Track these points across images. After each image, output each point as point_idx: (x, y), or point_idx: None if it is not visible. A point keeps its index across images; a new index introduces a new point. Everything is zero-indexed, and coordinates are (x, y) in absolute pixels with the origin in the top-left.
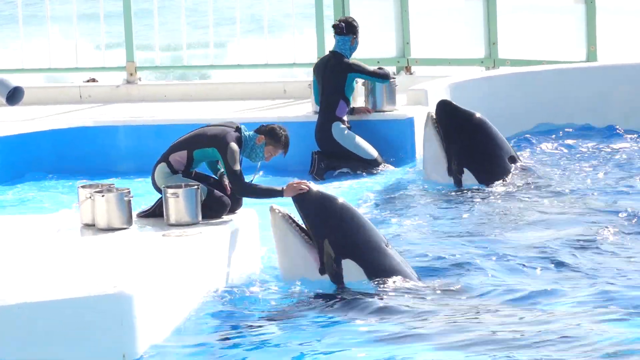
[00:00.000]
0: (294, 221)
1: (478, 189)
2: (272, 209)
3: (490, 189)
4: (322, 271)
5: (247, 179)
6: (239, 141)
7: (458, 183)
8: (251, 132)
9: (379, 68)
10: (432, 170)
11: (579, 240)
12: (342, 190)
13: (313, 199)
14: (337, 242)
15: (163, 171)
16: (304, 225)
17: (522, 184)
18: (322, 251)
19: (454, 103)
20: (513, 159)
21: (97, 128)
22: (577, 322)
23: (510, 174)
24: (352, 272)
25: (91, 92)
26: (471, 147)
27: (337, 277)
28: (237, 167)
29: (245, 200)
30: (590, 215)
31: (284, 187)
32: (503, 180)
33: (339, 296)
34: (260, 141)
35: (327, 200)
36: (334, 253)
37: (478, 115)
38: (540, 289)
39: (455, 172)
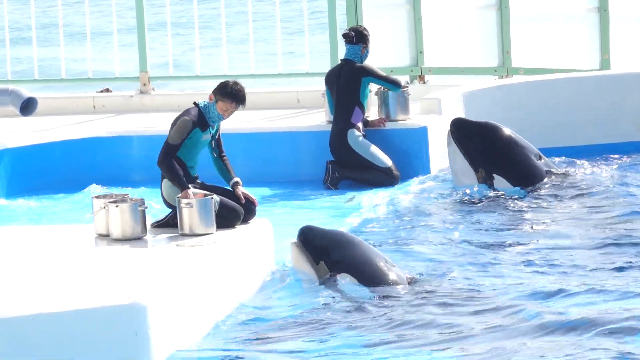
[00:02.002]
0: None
1: (500, 195)
2: (293, 243)
3: (514, 194)
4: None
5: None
6: (199, 115)
7: (491, 187)
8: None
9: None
10: (464, 183)
11: (605, 247)
12: (355, 200)
13: (316, 237)
14: (338, 264)
15: (169, 185)
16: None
17: (551, 185)
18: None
19: (465, 118)
20: (539, 157)
21: (111, 138)
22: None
23: (540, 170)
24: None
25: (105, 103)
26: (494, 154)
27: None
28: (174, 141)
29: (259, 210)
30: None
31: (186, 191)
32: (534, 179)
33: (353, 307)
34: (211, 99)
35: (327, 235)
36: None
37: (492, 122)
38: (555, 295)
39: (485, 181)
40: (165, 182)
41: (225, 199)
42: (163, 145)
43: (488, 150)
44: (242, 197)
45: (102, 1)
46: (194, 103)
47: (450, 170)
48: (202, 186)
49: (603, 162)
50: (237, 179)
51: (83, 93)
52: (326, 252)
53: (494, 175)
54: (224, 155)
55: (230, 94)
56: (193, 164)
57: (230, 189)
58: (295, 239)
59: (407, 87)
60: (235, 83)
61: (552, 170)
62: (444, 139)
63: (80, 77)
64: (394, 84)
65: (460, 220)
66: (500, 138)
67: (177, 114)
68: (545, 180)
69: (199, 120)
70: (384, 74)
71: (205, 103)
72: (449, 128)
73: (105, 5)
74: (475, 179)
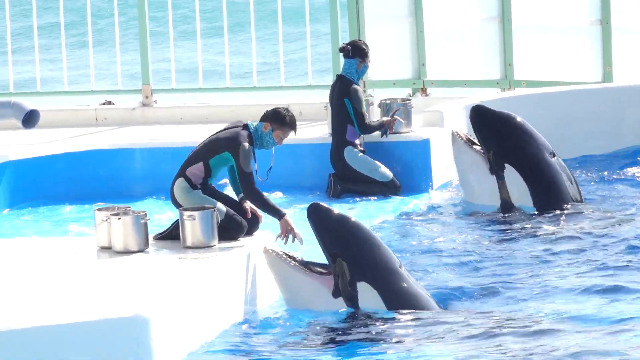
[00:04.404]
0: (288, 256)
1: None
2: (265, 250)
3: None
4: (335, 294)
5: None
6: (250, 138)
7: (500, 178)
8: (257, 123)
9: (388, 120)
10: (471, 181)
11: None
12: (357, 212)
13: (330, 220)
14: (353, 263)
15: (182, 187)
16: (300, 257)
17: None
18: (337, 273)
19: (486, 106)
20: (553, 154)
21: (113, 151)
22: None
23: (552, 167)
24: (366, 294)
25: (107, 115)
26: (511, 143)
27: (351, 300)
28: (249, 169)
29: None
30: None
31: (285, 217)
32: (544, 174)
33: (355, 320)
34: (266, 128)
35: (344, 221)
36: (349, 275)
37: (513, 115)
38: (563, 314)
39: (497, 170)
40: (177, 186)
41: (232, 211)
42: (242, 176)
43: (505, 139)
44: (249, 212)
45: (105, 16)
46: (244, 125)
47: (457, 170)
48: (213, 193)
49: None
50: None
51: (85, 105)
52: (346, 248)
53: (506, 165)
54: None
55: (289, 123)
56: (216, 177)
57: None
58: (267, 247)
59: (409, 99)
60: (288, 110)
61: (566, 173)
62: (449, 148)
63: (83, 89)
64: (361, 127)
65: (467, 235)
66: (518, 129)
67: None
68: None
69: (250, 140)
70: (360, 110)
71: (257, 127)
72: (452, 130)
73: (108, 17)
74: (484, 178)
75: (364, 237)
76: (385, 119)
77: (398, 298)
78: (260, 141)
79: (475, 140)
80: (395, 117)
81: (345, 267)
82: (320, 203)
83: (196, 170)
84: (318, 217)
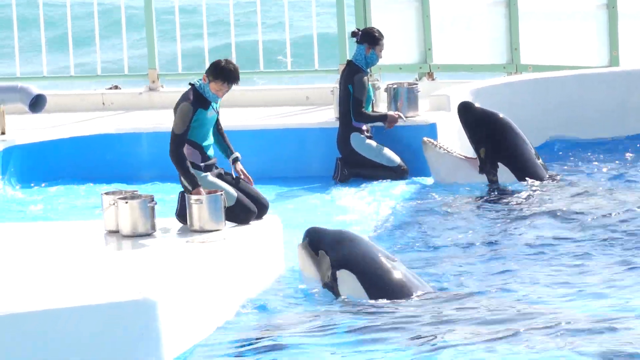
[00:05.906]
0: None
1: (502, 193)
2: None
3: (519, 190)
4: (481, 171)
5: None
6: (196, 96)
7: (493, 177)
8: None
9: (384, 114)
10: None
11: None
12: (364, 195)
13: (312, 233)
14: (334, 257)
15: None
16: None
17: (551, 182)
18: (319, 264)
19: (475, 103)
20: (538, 156)
21: (120, 135)
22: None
23: (542, 170)
24: (347, 285)
25: (113, 99)
26: (505, 144)
27: (333, 290)
28: (179, 129)
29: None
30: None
31: (198, 189)
32: (537, 176)
33: (352, 308)
34: (205, 80)
35: (318, 229)
36: (330, 266)
37: (501, 114)
38: (558, 298)
39: (489, 169)
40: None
41: (242, 195)
42: (171, 135)
43: (497, 138)
44: (241, 174)
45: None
46: (190, 84)
47: (436, 175)
48: (221, 175)
49: (607, 157)
50: (237, 154)
51: (92, 90)
52: (326, 246)
53: (499, 164)
54: (221, 128)
55: (220, 74)
56: (207, 142)
57: (241, 178)
58: (301, 241)
59: (416, 84)
60: (227, 62)
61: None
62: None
63: (89, 74)
64: (354, 115)
65: (469, 218)
66: (511, 131)
67: None
68: (547, 178)
69: (198, 101)
70: (359, 97)
71: (201, 83)
72: (423, 139)
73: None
74: (469, 178)
75: (348, 238)
76: (390, 112)
77: (382, 288)
78: (205, 93)
79: (445, 147)
80: (400, 115)
81: (327, 260)
82: (312, 227)
83: (187, 150)
84: (308, 237)
